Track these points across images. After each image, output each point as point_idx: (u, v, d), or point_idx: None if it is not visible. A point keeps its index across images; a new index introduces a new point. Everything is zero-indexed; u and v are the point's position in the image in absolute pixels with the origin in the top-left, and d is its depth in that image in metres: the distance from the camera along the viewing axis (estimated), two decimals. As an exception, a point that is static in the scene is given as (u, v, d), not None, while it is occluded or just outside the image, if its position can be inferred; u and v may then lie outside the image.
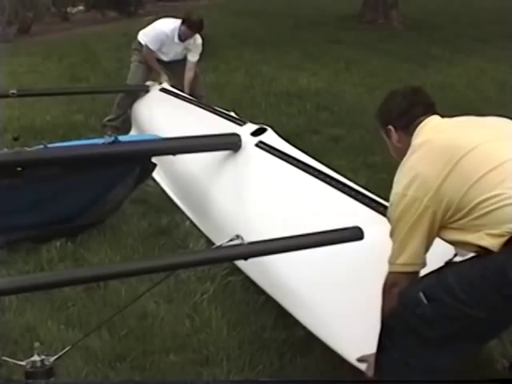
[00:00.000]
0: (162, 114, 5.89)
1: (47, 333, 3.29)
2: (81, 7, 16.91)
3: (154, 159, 4.22)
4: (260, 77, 8.75)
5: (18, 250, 4.03)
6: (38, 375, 2.33)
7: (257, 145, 4.09)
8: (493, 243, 2.15)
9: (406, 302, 2.35)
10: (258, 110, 6.98)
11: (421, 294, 2.28)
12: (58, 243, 4.13)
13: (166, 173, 5.00)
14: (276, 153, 3.94)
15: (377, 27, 12.24)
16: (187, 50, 6.52)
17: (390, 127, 2.62)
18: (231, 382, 3.06)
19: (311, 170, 3.66)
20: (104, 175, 4.12)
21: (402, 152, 2.54)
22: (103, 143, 3.89)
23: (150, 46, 6.43)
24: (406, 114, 2.58)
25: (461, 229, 2.28)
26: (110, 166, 4.12)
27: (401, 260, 2.37)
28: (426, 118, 2.55)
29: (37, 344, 2.36)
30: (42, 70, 9.74)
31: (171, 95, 6.04)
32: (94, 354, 3.16)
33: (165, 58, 6.61)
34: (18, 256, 4.01)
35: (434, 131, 2.48)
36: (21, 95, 6.18)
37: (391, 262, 2.41)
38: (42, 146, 3.88)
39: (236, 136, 4.21)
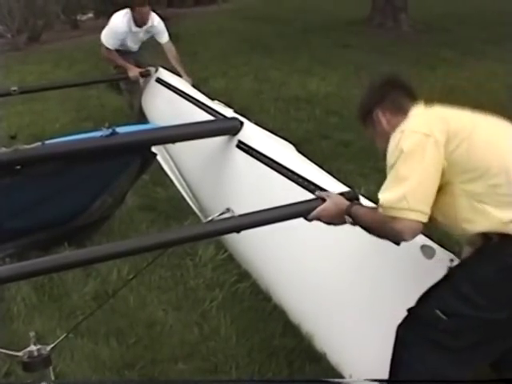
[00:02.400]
0: (155, 113, 5.94)
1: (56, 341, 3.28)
2: (90, 15, 16.94)
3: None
4: (269, 82, 8.74)
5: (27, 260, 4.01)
6: (35, 365, 2.30)
7: (237, 146, 4.08)
8: None
9: (425, 318, 2.29)
10: (267, 116, 6.95)
11: (437, 311, 2.22)
12: (67, 252, 4.12)
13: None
14: (255, 154, 3.88)
15: (386, 31, 12.19)
16: (150, 33, 6.43)
17: (376, 111, 2.52)
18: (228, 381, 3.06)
19: (290, 174, 3.55)
20: (104, 168, 4.08)
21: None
22: (101, 136, 3.82)
23: (110, 46, 6.34)
24: (389, 94, 2.51)
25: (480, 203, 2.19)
26: (110, 159, 4.06)
27: (408, 203, 2.18)
28: (412, 102, 2.48)
29: (32, 333, 2.33)
30: (52, 77, 9.77)
31: (164, 86, 5.96)
32: (102, 363, 3.15)
33: (133, 49, 6.52)
34: (27, 265, 4.00)
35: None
36: (22, 92, 6.17)
37: (390, 205, 2.24)
38: (39, 143, 3.83)
39: (235, 120, 4.18)
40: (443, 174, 2.23)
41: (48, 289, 3.79)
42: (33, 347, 2.31)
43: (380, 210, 2.31)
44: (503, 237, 2.14)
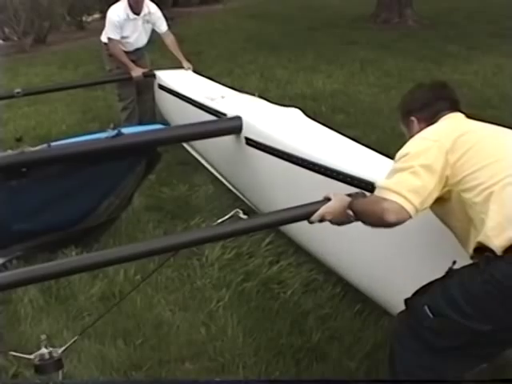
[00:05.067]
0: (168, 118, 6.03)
1: (63, 343, 3.27)
2: (96, 15, 16.91)
3: None
4: (275, 80, 8.72)
5: (34, 262, 4.01)
6: (47, 367, 2.30)
7: (247, 143, 4.10)
8: (497, 246, 2.10)
9: (415, 312, 2.29)
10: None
11: (426, 308, 2.22)
12: (73, 253, 4.12)
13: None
14: (265, 148, 3.91)
15: (392, 27, 12.18)
16: (148, 23, 6.36)
17: (413, 118, 2.57)
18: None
19: (300, 161, 3.56)
20: (110, 169, 4.08)
21: None
22: (107, 137, 3.82)
23: (113, 36, 6.22)
24: (430, 106, 2.54)
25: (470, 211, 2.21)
26: (116, 160, 4.06)
27: (398, 188, 2.21)
28: (450, 113, 2.51)
29: (43, 336, 2.32)
30: (59, 79, 9.76)
31: (165, 91, 5.96)
32: (109, 364, 3.15)
33: (130, 47, 6.39)
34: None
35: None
36: (26, 94, 6.17)
37: (383, 185, 2.28)
38: (45, 145, 3.84)
39: (238, 119, 4.18)
40: (447, 181, 2.26)
41: (55, 291, 3.79)
42: (44, 350, 2.31)
43: (375, 191, 2.35)
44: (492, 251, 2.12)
